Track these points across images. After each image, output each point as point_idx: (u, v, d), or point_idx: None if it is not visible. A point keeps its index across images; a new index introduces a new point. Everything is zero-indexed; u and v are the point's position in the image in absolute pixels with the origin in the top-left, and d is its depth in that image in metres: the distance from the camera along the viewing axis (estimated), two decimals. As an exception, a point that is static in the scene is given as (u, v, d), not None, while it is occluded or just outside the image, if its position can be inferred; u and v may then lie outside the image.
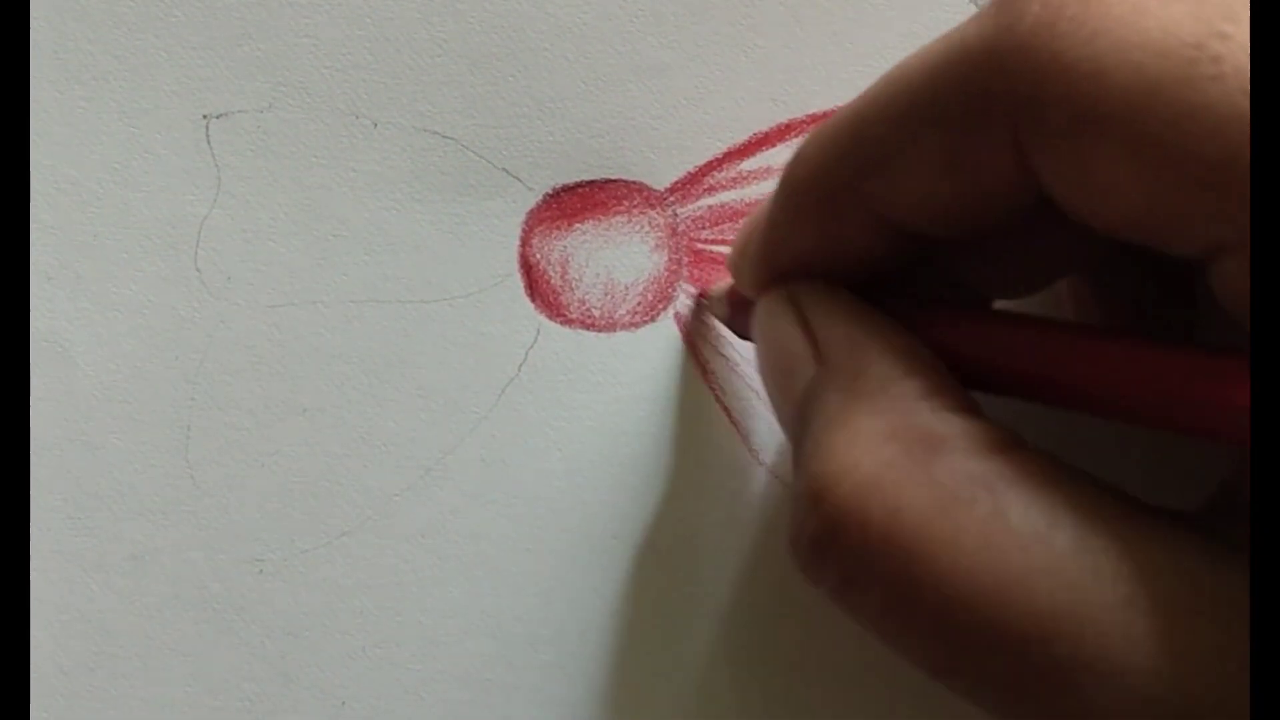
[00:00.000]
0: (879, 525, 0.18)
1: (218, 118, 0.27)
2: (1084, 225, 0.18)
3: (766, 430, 0.27)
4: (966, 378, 0.20)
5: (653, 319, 0.27)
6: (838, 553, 0.18)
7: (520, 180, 0.27)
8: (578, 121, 0.27)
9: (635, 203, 0.27)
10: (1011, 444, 0.18)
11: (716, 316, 0.26)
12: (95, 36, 0.27)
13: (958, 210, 0.19)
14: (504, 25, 0.27)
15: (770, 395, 0.22)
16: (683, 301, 0.27)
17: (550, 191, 0.27)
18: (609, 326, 0.27)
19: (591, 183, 0.27)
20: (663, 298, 0.27)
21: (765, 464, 0.27)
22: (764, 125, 0.27)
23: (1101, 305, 0.24)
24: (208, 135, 0.27)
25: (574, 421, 0.27)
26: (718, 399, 0.27)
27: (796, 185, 0.21)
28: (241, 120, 0.27)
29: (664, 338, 0.27)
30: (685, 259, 0.27)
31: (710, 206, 0.27)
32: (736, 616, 0.27)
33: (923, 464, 0.18)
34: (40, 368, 0.27)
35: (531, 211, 0.27)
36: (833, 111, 0.27)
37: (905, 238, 0.20)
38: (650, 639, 0.27)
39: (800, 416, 0.20)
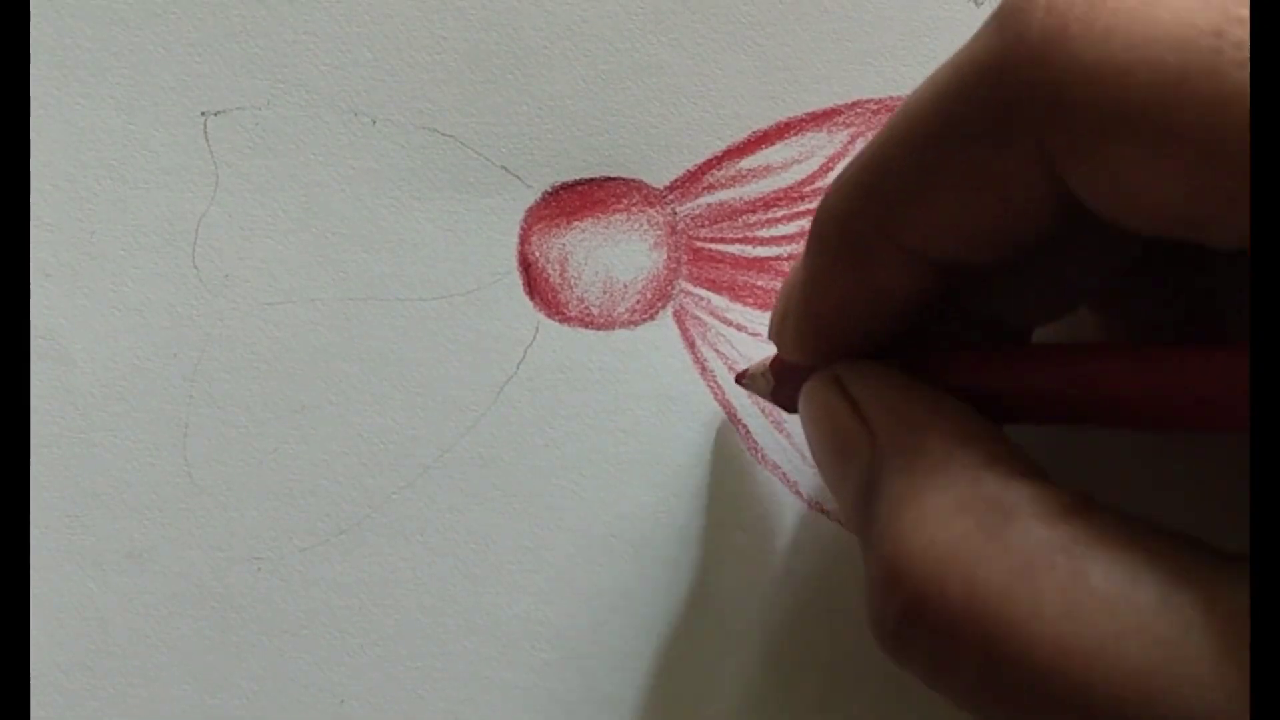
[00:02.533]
0: (959, 600, 0.18)
1: (216, 115, 0.27)
2: (1118, 229, 0.18)
3: (764, 428, 0.27)
4: (1009, 413, 0.20)
5: (651, 317, 0.27)
6: (922, 633, 0.18)
7: (519, 178, 0.27)
8: (577, 119, 0.27)
9: (634, 201, 0.27)
10: (1082, 506, 0.18)
11: (758, 393, 0.26)
12: (94, 33, 0.27)
13: (989, 230, 0.19)
14: (503, 23, 0.27)
15: (826, 479, 0.22)
16: (681, 299, 0.27)
17: (549, 189, 0.27)
18: (608, 324, 0.27)
19: (590, 180, 0.27)
20: (661, 296, 0.27)
21: (764, 461, 0.27)
22: (763, 123, 0.27)
23: (1128, 323, 0.24)
24: (206, 132, 0.27)
25: (572, 420, 0.27)
26: (716, 397, 0.27)
27: (826, 235, 0.21)
28: (240, 117, 0.27)
29: (663, 336, 0.27)
30: (684, 257, 0.27)
31: (709, 205, 0.27)
32: (734, 613, 0.27)
33: (997, 534, 0.18)
34: (38, 365, 0.27)
35: (530, 209, 0.27)
36: (833, 109, 0.27)
37: (941, 271, 0.20)
38: (648, 637, 0.27)
39: (864, 501, 0.20)
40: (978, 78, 0.18)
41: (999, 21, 0.18)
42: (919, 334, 0.21)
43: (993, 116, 0.18)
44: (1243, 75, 0.16)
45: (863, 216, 0.20)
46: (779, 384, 0.24)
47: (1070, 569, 0.17)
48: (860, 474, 0.20)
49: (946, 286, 0.21)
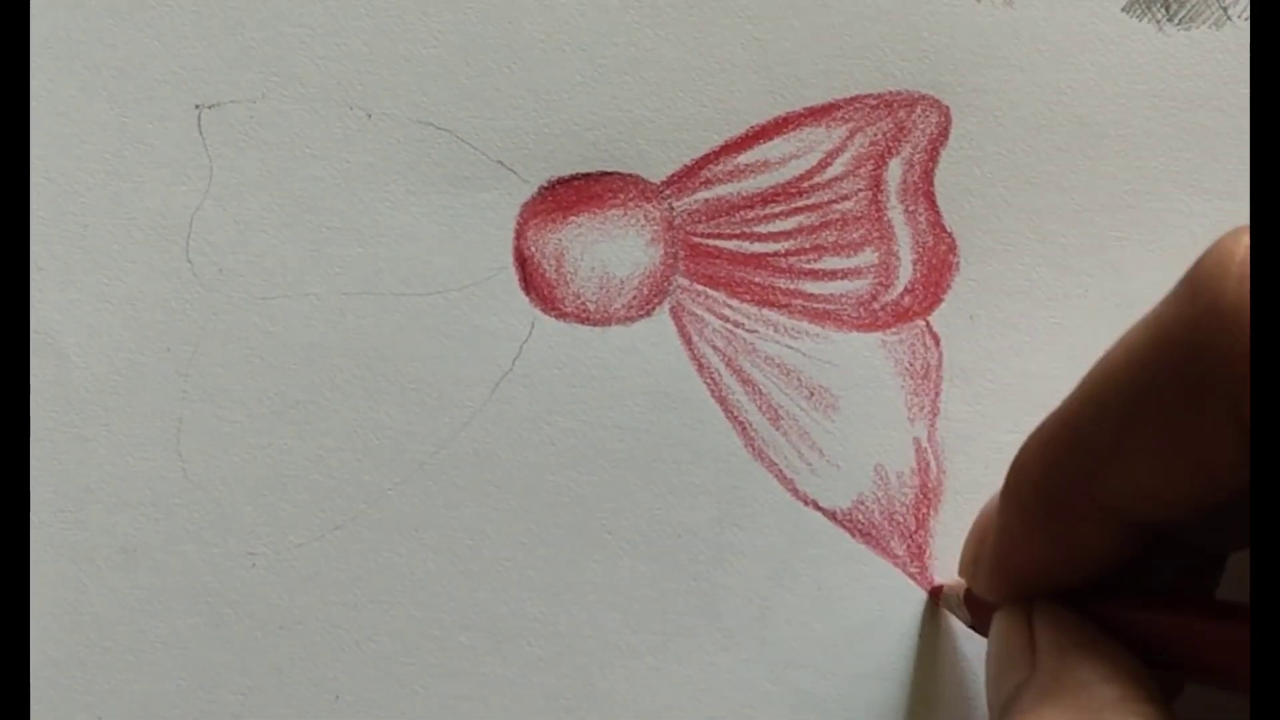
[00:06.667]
0: None
1: (210, 108, 0.27)
2: None
3: (761, 424, 0.27)
4: (1187, 671, 0.20)
5: (648, 313, 0.27)
6: None
7: (515, 172, 0.27)
8: (574, 114, 0.27)
9: (631, 196, 0.27)
10: None
11: (955, 616, 0.26)
12: (87, 25, 0.27)
13: (1188, 490, 0.19)
14: (500, 16, 0.27)
15: (987, 690, 0.23)
16: (678, 295, 0.27)
17: (545, 184, 0.27)
18: (604, 320, 0.27)
19: (587, 175, 0.27)
20: (658, 292, 0.27)
21: (759, 459, 0.27)
22: (761, 118, 0.27)
23: None
24: (200, 125, 0.27)
25: (568, 415, 0.27)
26: (712, 393, 0.27)
27: (1023, 495, 0.21)
28: (234, 110, 0.27)
29: (659, 332, 0.27)
30: (681, 253, 0.27)
31: (706, 200, 0.27)
32: (729, 610, 0.27)
33: None
34: (31, 360, 0.27)
35: (526, 204, 0.27)
36: (832, 103, 0.27)
37: (1139, 528, 0.20)
38: (643, 634, 0.27)
39: (1002, 713, 0.21)
40: (1172, 345, 0.18)
41: (1191, 289, 0.18)
42: (1114, 577, 0.22)
43: (1188, 383, 0.18)
44: None
45: (1060, 476, 0.20)
46: (975, 613, 0.25)
47: None
48: (1010, 690, 0.21)
49: (1144, 541, 0.21)
